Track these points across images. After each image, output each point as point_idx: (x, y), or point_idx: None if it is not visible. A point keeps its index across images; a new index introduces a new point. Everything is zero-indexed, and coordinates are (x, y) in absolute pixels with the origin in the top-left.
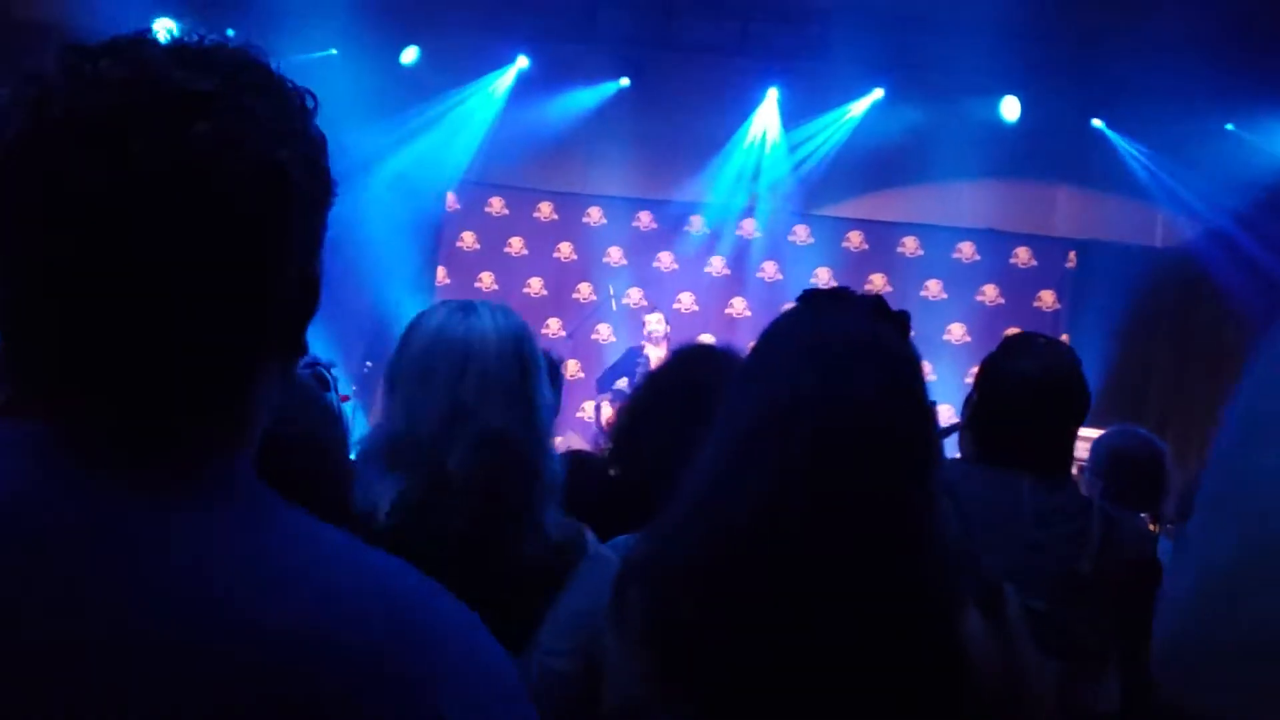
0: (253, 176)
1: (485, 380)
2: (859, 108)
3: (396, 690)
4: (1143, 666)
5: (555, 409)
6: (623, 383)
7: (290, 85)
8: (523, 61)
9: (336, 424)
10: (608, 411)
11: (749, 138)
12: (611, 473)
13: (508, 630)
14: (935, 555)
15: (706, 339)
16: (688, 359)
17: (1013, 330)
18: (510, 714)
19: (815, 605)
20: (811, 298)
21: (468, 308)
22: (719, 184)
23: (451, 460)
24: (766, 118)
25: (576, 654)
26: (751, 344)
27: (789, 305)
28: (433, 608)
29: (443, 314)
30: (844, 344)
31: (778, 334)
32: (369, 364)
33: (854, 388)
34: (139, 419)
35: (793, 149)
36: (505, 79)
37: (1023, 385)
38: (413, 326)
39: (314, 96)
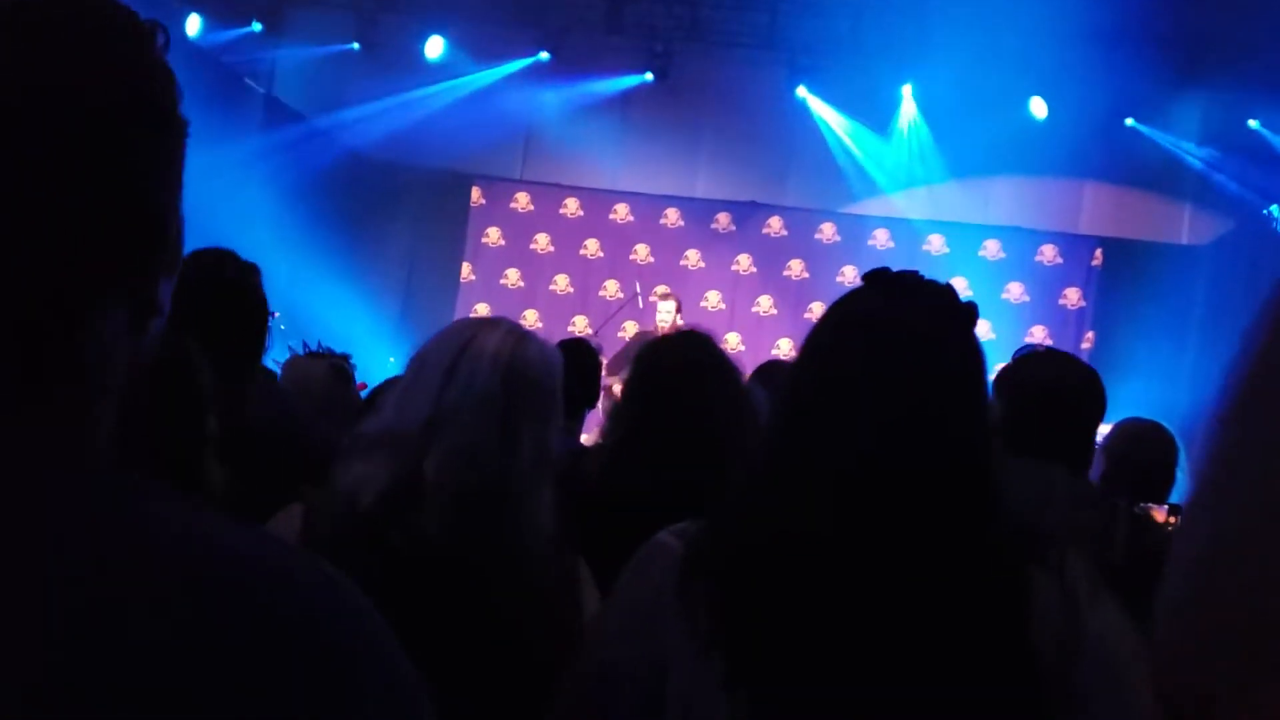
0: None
1: (468, 393)
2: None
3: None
4: None
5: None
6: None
7: (111, 14)
8: (543, 55)
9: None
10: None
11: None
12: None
13: (486, 642)
14: (1006, 530)
15: (732, 338)
16: (665, 344)
17: (1038, 328)
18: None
19: (888, 586)
20: (882, 283)
21: (491, 324)
22: (750, 181)
23: (428, 464)
24: (821, 114)
25: (641, 643)
26: (814, 326)
27: (855, 286)
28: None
29: (460, 324)
30: (915, 333)
31: (845, 320)
32: (392, 359)
33: (923, 375)
34: None
35: (830, 146)
36: (524, 72)
37: (1050, 390)
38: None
39: (162, 27)
